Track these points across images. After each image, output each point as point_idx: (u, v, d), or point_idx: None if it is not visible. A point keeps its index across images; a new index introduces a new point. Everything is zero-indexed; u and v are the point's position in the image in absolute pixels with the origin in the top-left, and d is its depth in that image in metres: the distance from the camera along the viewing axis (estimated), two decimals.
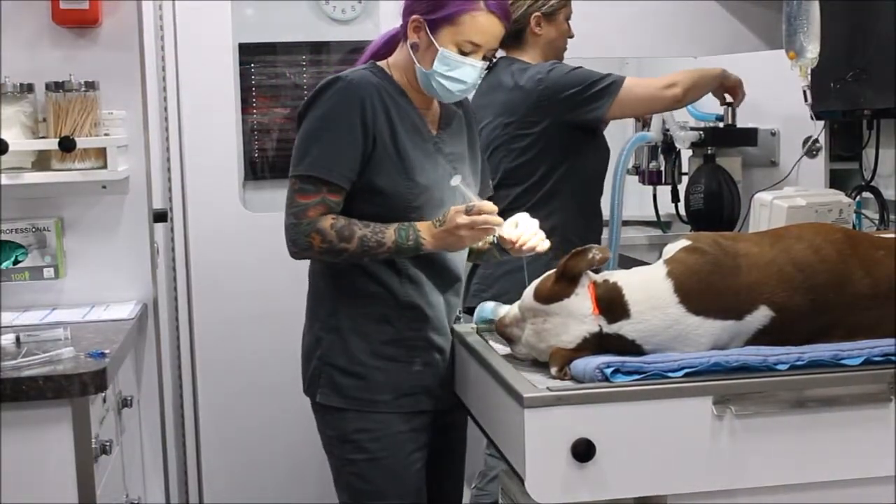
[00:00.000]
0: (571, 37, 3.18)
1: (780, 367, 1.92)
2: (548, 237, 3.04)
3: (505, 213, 3.08)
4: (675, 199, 3.53)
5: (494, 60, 3.14)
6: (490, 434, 2.19)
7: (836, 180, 3.00)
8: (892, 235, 2.19)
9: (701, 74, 3.13)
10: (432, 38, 2.21)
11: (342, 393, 2.26)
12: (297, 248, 2.19)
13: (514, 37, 3.10)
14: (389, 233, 2.19)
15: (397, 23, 2.34)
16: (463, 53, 2.22)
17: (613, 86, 2.98)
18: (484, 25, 2.22)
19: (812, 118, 2.84)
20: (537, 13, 3.09)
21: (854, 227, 2.79)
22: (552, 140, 3.01)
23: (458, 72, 2.23)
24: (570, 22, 3.18)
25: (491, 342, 2.27)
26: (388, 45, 2.37)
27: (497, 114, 3.07)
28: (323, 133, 2.19)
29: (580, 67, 3.04)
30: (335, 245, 2.17)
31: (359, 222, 2.19)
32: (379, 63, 2.33)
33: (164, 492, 3.11)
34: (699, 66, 3.62)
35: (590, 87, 2.98)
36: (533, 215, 3.05)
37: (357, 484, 2.27)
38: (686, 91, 3.04)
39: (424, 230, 2.21)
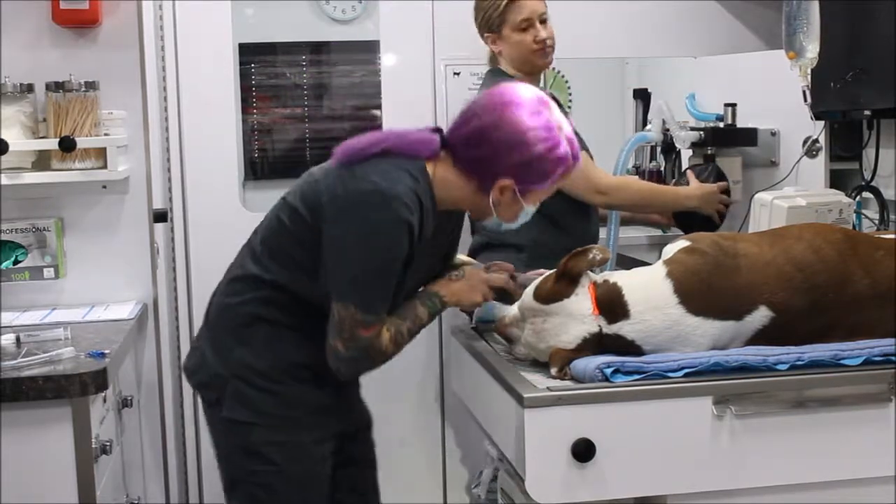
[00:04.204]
0: (539, 42, 2.98)
1: (780, 367, 1.93)
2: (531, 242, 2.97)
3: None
4: None
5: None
6: (490, 434, 2.19)
7: (836, 180, 2.99)
8: (892, 235, 2.19)
9: (653, 197, 3.13)
10: (521, 199, 2.11)
11: (251, 407, 2.17)
12: (359, 374, 2.19)
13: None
14: (421, 309, 2.16)
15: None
16: None
17: None
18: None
19: (812, 118, 2.84)
20: (486, 33, 3.02)
21: (854, 227, 2.78)
22: None
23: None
24: (534, 29, 2.97)
25: (491, 342, 2.27)
26: (416, 148, 2.15)
27: None
28: (381, 264, 2.06)
29: None
30: (391, 354, 2.12)
31: (396, 317, 2.12)
32: (427, 165, 2.13)
33: (164, 492, 3.11)
34: (699, 66, 3.63)
35: None
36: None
37: (260, 495, 2.19)
38: (617, 204, 3.10)
39: (440, 287, 2.20)
